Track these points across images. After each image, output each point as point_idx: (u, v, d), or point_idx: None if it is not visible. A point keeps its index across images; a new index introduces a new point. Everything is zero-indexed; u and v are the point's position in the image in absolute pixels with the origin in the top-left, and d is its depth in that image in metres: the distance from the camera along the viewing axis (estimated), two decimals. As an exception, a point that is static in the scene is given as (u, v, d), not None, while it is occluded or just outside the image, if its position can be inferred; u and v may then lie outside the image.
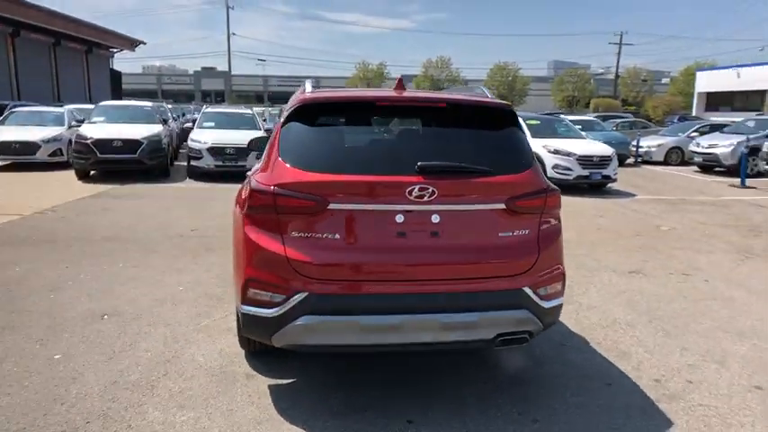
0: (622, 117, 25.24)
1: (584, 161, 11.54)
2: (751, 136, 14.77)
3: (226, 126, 13.08)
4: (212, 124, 13.34)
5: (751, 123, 16.26)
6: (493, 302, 2.84)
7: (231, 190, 4.22)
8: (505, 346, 3.00)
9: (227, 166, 11.68)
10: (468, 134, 3.11)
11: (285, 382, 3.28)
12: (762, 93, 38.55)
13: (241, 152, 11.39)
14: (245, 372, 3.37)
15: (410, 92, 3.57)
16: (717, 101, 44.84)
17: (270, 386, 3.22)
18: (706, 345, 3.93)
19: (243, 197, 3.03)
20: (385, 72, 60.85)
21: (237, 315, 3.11)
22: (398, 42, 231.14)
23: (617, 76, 53.62)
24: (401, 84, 3.34)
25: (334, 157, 2.95)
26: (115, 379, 3.23)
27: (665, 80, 68.03)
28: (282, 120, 3.07)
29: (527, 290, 2.87)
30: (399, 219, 2.78)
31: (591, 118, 20.63)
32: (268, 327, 2.80)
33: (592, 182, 11.67)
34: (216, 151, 11.74)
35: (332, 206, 2.75)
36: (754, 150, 14.74)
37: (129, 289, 4.82)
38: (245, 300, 2.86)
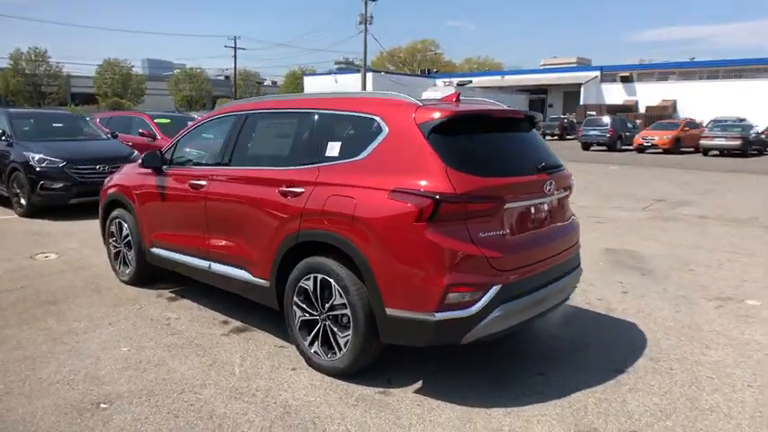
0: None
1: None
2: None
3: None
4: None
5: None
6: (574, 264, 3.79)
7: None
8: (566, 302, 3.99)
9: None
10: (537, 138, 3.86)
11: (415, 387, 3.36)
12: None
13: None
14: (377, 391, 3.28)
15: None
16: (321, 102, 52.66)
17: (416, 390, 3.29)
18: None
19: (407, 211, 2.99)
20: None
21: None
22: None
23: (235, 77, 56.59)
24: (458, 95, 3.77)
25: (492, 162, 3.27)
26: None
27: (267, 83, 75.38)
28: (429, 129, 3.14)
29: (579, 251, 3.92)
30: (544, 209, 3.41)
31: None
32: (465, 326, 3.00)
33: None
34: None
35: (507, 205, 3.15)
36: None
37: None
38: (442, 307, 2.95)
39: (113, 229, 5.39)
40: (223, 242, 4.11)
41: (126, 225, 5.19)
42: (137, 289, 5.16)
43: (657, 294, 5.14)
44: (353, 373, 3.39)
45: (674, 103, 39.83)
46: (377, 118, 3.36)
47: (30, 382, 3.37)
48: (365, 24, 41.65)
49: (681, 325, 4.41)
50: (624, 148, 25.96)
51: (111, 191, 5.40)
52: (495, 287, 3.03)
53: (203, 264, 4.32)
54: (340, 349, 3.37)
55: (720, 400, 3.22)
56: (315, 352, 3.52)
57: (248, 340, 4.03)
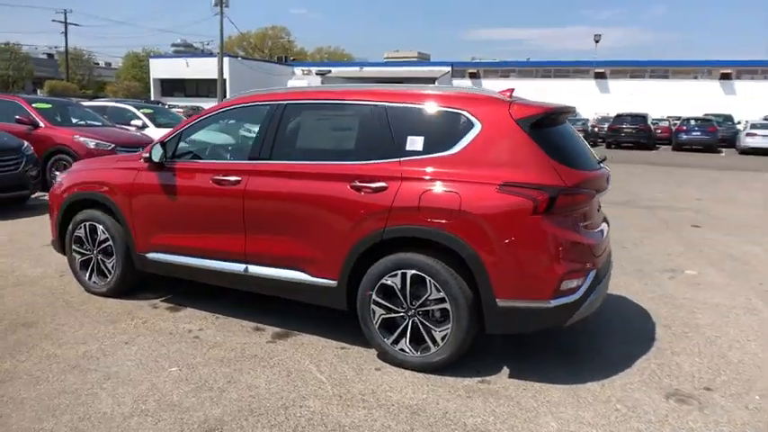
0: (150, 104, 24.75)
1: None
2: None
3: None
4: None
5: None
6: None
7: None
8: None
9: None
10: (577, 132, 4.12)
11: (506, 374, 3.49)
12: (209, 81, 44.92)
13: None
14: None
15: None
16: (171, 87, 49.02)
17: (510, 376, 3.41)
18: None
19: (522, 204, 3.09)
20: None
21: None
22: None
23: (67, 57, 49.60)
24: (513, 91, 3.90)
25: (577, 156, 3.45)
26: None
27: (101, 64, 67.67)
28: (529, 124, 3.24)
29: None
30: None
31: (158, 105, 19.83)
32: (572, 310, 3.22)
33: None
34: None
35: (595, 197, 3.41)
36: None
37: None
38: (557, 294, 3.13)
39: (80, 234, 4.63)
40: (268, 243, 3.81)
41: (101, 229, 4.50)
42: (118, 301, 4.52)
43: (619, 269, 5.86)
44: (444, 367, 3.41)
45: (516, 99, 44.23)
46: (464, 113, 3.39)
47: (97, 419, 2.84)
48: (221, 7, 39.50)
49: (658, 295, 5.10)
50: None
51: (75, 190, 4.62)
52: (592, 272, 3.29)
53: (236, 267, 3.95)
54: (435, 344, 3.37)
55: (741, 354, 3.85)
56: (400, 349, 3.46)
57: (300, 345, 3.80)
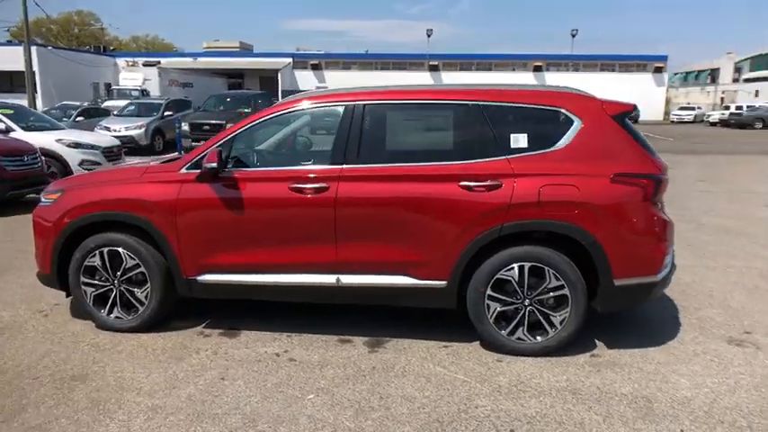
0: None
1: (109, 153, 10.54)
2: (151, 119, 16.74)
3: None
4: None
5: (132, 108, 17.97)
6: None
7: None
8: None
9: None
10: None
11: (600, 346, 3.84)
12: (12, 74, 38.38)
13: None
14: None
15: None
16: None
17: (609, 347, 3.75)
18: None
19: (635, 192, 3.44)
20: None
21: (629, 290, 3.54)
22: None
23: None
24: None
25: (650, 146, 3.83)
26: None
27: None
28: (621, 119, 3.57)
29: None
30: None
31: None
32: (666, 282, 3.70)
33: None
34: None
35: (662, 185, 3.90)
36: (159, 131, 16.90)
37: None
38: (661, 268, 3.56)
39: (94, 263, 3.90)
40: (364, 250, 3.65)
41: (127, 254, 3.85)
42: (155, 336, 3.93)
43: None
44: (559, 349, 3.65)
45: (358, 90, 45.39)
46: (562, 110, 3.62)
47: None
48: (23, -13, 33.94)
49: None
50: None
51: (84, 212, 3.87)
52: (672, 247, 3.79)
53: (325, 279, 3.71)
54: (554, 328, 3.59)
55: (737, 303, 4.72)
56: (518, 338, 3.62)
57: (403, 350, 3.74)
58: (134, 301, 3.95)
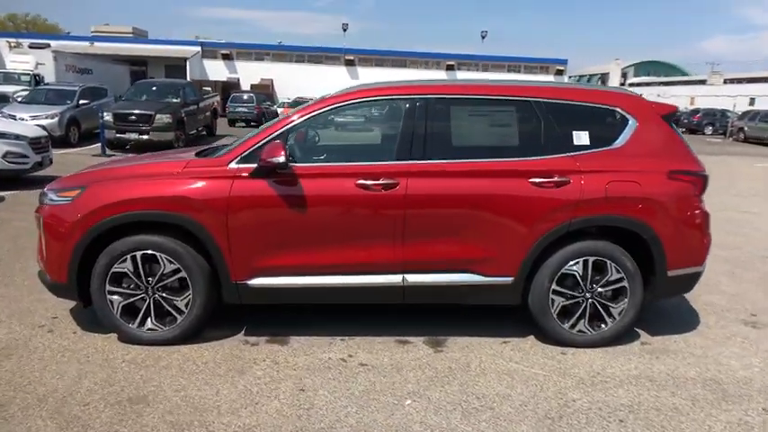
0: None
1: (36, 145, 9.36)
2: (65, 107, 15.14)
3: None
4: None
5: (39, 94, 16.13)
6: None
7: None
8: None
9: None
10: None
11: (644, 333, 4.03)
12: None
13: None
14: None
15: None
16: None
17: (653, 334, 3.95)
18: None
19: (689, 188, 3.65)
20: None
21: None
22: None
23: None
24: None
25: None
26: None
27: None
28: (670, 119, 3.76)
29: None
30: None
31: None
32: (702, 271, 3.94)
33: (43, 169, 9.67)
34: None
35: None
36: (75, 120, 15.33)
37: None
38: (705, 259, 3.81)
39: (124, 269, 3.46)
40: (431, 248, 3.55)
41: (165, 258, 3.46)
42: (196, 348, 3.57)
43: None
44: (616, 339, 3.78)
45: (272, 83, 44.11)
46: (618, 109, 3.75)
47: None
48: None
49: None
50: (267, 124, 27.63)
51: (112, 212, 3.40)
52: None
53: (390, 279, 3.57)
54: (612, 319, 3.71)
55: (731, 288, 5.18)
56: (579, 331, 3.71)
57: (467, 348, 3.69)
58: (172, 310, 3.56)
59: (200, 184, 3.46)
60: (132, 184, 3.51)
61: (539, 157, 3.61)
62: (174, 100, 15.70)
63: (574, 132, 3.68)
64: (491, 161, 3.60)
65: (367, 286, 3.60)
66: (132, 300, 3.54)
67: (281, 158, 3.33)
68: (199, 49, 43.84)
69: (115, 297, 3.52)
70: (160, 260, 3.47)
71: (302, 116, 3.63)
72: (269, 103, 29.65)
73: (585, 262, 3.63)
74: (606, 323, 3.73)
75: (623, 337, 3.82)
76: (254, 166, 3.46)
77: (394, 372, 3.34)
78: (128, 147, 14.85)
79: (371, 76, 44.53)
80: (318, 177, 3.52)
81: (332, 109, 3.68)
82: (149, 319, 3.56)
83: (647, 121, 3.77)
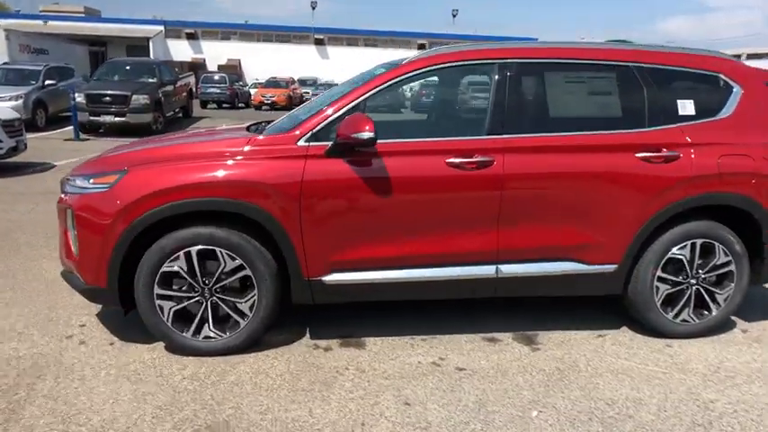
0: None
1: (9, 128, 8.50)
2: (29, 88, 14.03)
3: None
4: None
5: (-2, 74, 14.88)
6: None
7: None
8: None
9: None
10: None
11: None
12: None
13: None
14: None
15: None
16: None
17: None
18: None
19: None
20: None
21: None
22: None
23: None
24: None
25: None
26: None
27: None
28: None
29: None
30: None
31: None
32: None
33: (17, 154, 8.81)
34: None
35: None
36: (41, 102, 14.24)
37: None
38: None
39: (176, 267, 2.93)
40: (529, 235, 3.14)
41: (226, 254, 2.94)
42: (262, 356, 3.09)
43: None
44: (716, 329, 3.47)
45: (240, 63, 42.61)
46: (721, 75, 3.38)
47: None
48: None
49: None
50: (240, 105, 26.63)
51: (161, 202, 2.85)
52: None
53: (483, 270, 3.14)
54: (717, 305, 3.39)
55: None
56: (682, 320, 3.37)
57: (564, 344, 3.32)
58: (233, 314, 3.05)
59: (268, 165, 2.94)
60: (185, 166, 2.95)
61: (644, 129, 3.22)
62: (151, 80, 14.72)
63: (678, 101, 3.30)
64: (592, 134, 3.18)
65: (457, 279, 3.16)
66: (184, 305, 3.01)
67: (370, 134, 2.82)
68: (162, 28, 41.96)
69: (165, 302, 2.98)
70: (220, 256, 2.95)
71: (377, 86, 3.12)
72: (241, 83, 28.53)
73: (693, 245, 3.28)
74: (711, 310, 3.40)
75: (725, 325, 3.52)
76: (329, 143, 2.96)
77: (499, 376, 2.93)
78: (101, 130, 13.90)
79: (342, 55, 43.58)
80: (403, 155, 3.03)
81: (408, 77, 3.18)
82: (207, 326, 3.04)
83: (752, 89, 3.41)
